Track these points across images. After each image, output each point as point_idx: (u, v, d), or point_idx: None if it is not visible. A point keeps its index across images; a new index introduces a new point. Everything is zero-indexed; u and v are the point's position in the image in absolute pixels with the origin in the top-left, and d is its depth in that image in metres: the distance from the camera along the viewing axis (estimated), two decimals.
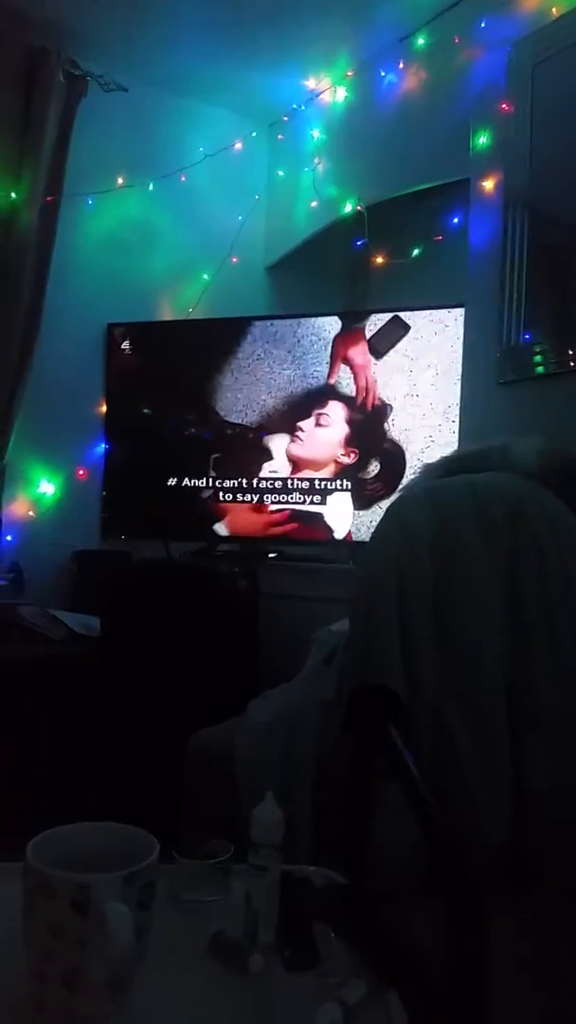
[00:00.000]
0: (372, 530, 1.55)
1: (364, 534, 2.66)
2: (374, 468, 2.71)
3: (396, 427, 2.65)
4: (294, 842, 1.37)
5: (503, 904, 1.08)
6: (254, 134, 3.28)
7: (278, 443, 2.85)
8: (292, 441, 2.82)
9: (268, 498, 2.84)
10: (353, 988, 0.85)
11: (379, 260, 2.92)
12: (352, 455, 2.74)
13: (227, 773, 1.75)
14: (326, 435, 2.78)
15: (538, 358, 2.11)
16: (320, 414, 2.78)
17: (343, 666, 1.68)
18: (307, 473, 2.79)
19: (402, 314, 2.67)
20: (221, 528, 2.93)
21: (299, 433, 2.81)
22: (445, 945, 0.87)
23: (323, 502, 2.77)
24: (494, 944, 0.94)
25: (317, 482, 2.77)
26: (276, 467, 2.85)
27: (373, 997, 0.85)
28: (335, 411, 2.77)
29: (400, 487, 2.59)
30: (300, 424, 2.81)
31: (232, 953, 0.93)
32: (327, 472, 2.77)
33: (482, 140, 2.30)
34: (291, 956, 0.93)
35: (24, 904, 0.82)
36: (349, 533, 2.72)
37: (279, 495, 2.82)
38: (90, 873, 0.80)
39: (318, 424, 2.79)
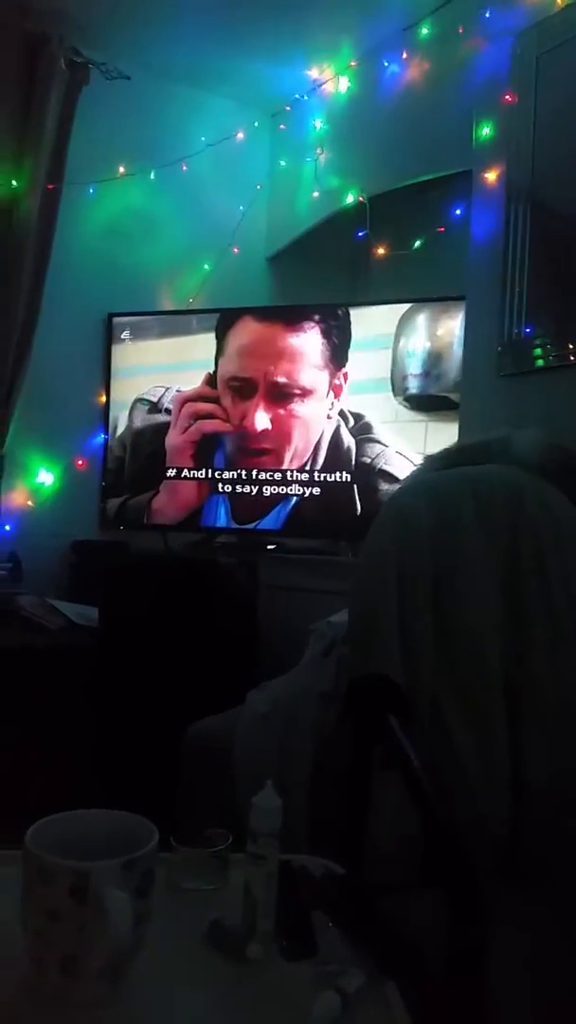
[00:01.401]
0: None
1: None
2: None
3: None
4: (291, 833, 1.37)
5: (503, 897, 1.08)
6: (256, 124, 3.26)
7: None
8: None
9: (267, 489, 2.83)
10: (351, 977, 0.85)
11: (380, 251, 2.91)
12: None
13: (225, 763, 1.74)
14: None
15: (539, 351, 2.11)
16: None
17: (342, 658, 1.68)
18: (301, 463, 2.80)
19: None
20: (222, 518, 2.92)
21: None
22: (444, 935, 0.87)
23: (321, 493, 2.76)
24: (493, 936, 0.94)
25: (316, 474, 2.76)
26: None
27: (371, 986, 0.85)
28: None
29: (402, 479, 2.59)
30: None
31: (230, 942, 0.93)
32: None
33: (485, 131, 2.29)
34: (289, 945, 0.93)
35: (23, 890, 0.82)
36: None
37: (278, 487, 2.82)
38: (89, 860, 0.80)
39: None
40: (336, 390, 2.76)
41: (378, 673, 1.22)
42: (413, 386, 2.66)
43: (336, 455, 2.76)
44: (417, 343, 2.67)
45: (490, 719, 1.26)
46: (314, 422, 2.78)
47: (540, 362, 2.10)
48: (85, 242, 3.01)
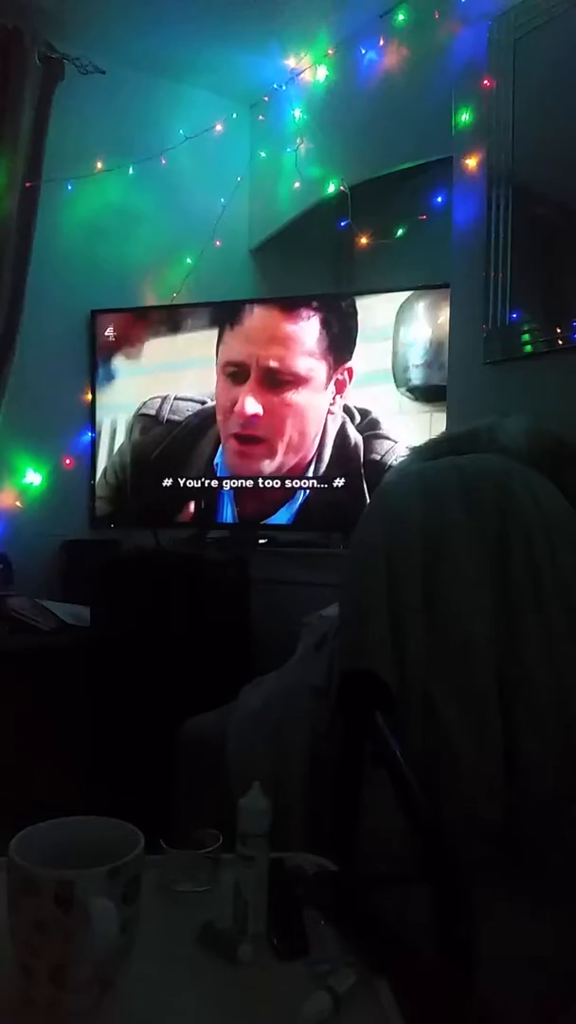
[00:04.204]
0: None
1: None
2: None
3: None
4: (286, 829, 1.37)
5: (496, 886, 1.08)
6: (235, 115, 3.23)
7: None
8: None
9: (273, 484, 2.81)
10: (342, 976, 0.84)
11: (363, 240, 2.89)
12: None
13: (219, 760, 1.74)
14: None
15: (526, 337, 2.09)
16: None
17: (334, 651, 1.68)
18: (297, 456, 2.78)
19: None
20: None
21: None
22: (433, 930, 0.87)
23: (329, 492, 2.74)
24: (488, 926, 0.94)
25: (323, 473, 2.74)
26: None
27: (363, 985, 0.85)
28: None
29: (389, 470, 2.58)
30: None
31: (221, 943, 0.93)
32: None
33: (464, 117, 2.27)
34: (281, 945, 0.93)
35: (8, 901, 0.82)
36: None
37: (270, 480, 2.80)
38: (74, 868, 0.79)
39: None
40: (339, 386, 2.72)
41: (367, 669, 1.21)
42: (415, 377, 2.63)
43: (343, 453, 2.71)
44: (417, 333, 2.63)
45: (483, 707, 1.26)
46: (311, 413, 2.74)
47: (528, 348, 2.09)
48: (65, 239, 2.99)
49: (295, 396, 2.76)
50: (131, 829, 0.87)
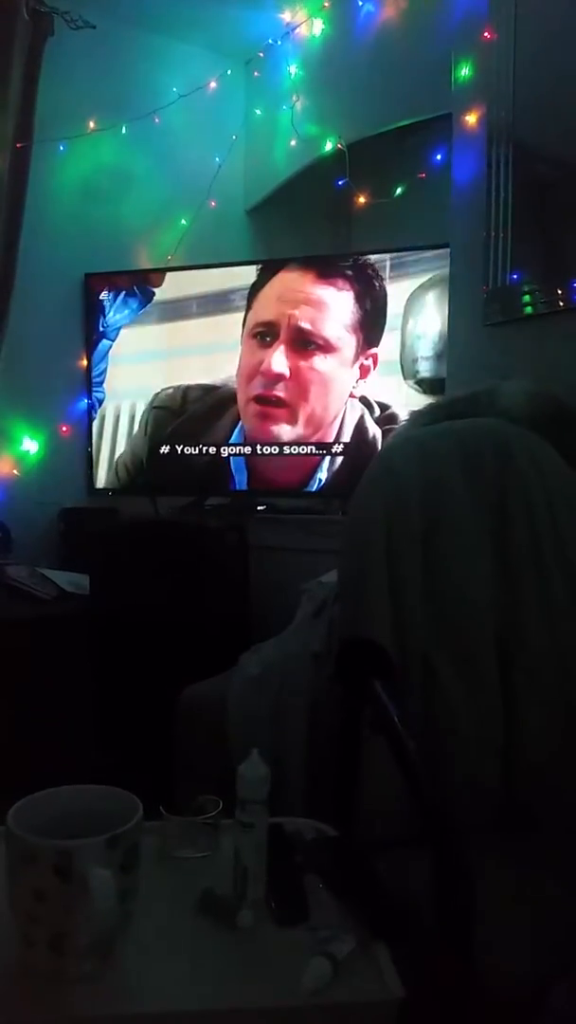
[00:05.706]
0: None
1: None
2: None
3: None
4: (285, 794, 1.37)
5: (495, 851, 1.08)
6: (229, 72, 3.15)
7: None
8: None
9: (263, 449, 2.79)
10: (342, 942, 0.85)
11: (362, 200, 2.83)
12: None
13: (219, 727, 1.74)
14: None
15: (526, 298, 2.06)
16: None
17: (332, 618, 1.67)
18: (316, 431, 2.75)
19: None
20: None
21: None
22: (433, 895, 0.87)
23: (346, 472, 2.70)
24: (486, 891, 0.94)
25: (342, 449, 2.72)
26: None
27: (362, 950, 0.85)
28: None
29: (389, 435, 2.56)
30: None
31: (221, 909, 0.93)
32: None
33: (464, 72, 2.21)
34: (280, 910, 0.93)
35: (8, 871, 0.82)
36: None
37: (271, 448, 2.78)
38: (73, 838, 0.79)
39: None
40: (363, 371, 2.66)
41: (366, 637, 1.21)
42: (424, 369, 2.58)
43: (362, 441, 2.67)
44: (426, 324, 2.57)
45: (482, 672, 1.26)
46: (335, 388, 2.68)
47: (528, 309, 2.06)
48: (58, 201, 2.93)
49: (322, 363, 2.68)
50: (129, 797, 0.87)
